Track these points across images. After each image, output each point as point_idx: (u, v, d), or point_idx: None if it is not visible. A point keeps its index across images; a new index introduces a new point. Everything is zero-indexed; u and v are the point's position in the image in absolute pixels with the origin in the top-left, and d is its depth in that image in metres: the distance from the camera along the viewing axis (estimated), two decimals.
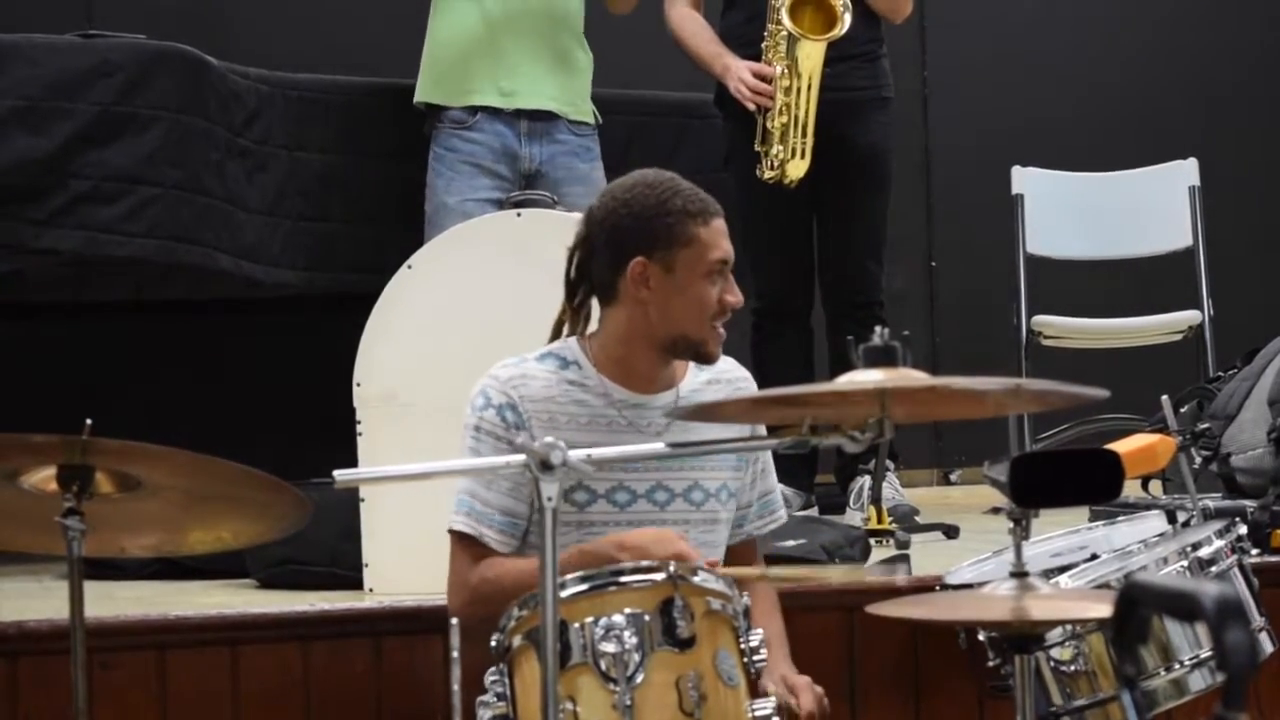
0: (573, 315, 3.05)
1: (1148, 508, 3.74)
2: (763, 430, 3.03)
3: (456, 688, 2.54)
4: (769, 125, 4.65)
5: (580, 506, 2.93)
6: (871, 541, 4.12)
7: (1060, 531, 3.49)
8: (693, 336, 2.96)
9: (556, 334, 3.07)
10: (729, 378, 3.10)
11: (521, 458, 2.34)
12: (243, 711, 3.36)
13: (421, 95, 4.69)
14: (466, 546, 2.96)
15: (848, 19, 4.59)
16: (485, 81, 4.62)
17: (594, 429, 2.95)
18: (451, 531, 2.97)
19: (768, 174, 4.66)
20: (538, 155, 4.63)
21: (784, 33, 4.63)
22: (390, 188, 4.81)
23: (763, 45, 4.67)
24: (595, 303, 3.05)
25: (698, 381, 3.06)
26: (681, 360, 3.03)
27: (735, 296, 2.97)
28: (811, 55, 4.62)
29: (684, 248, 2.93)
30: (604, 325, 3.01)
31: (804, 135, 4.63)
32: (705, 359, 3.00)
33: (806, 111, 4.63)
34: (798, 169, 4.65)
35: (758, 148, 4.67)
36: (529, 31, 4.62)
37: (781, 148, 4.64)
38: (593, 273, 3.01)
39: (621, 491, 2.95)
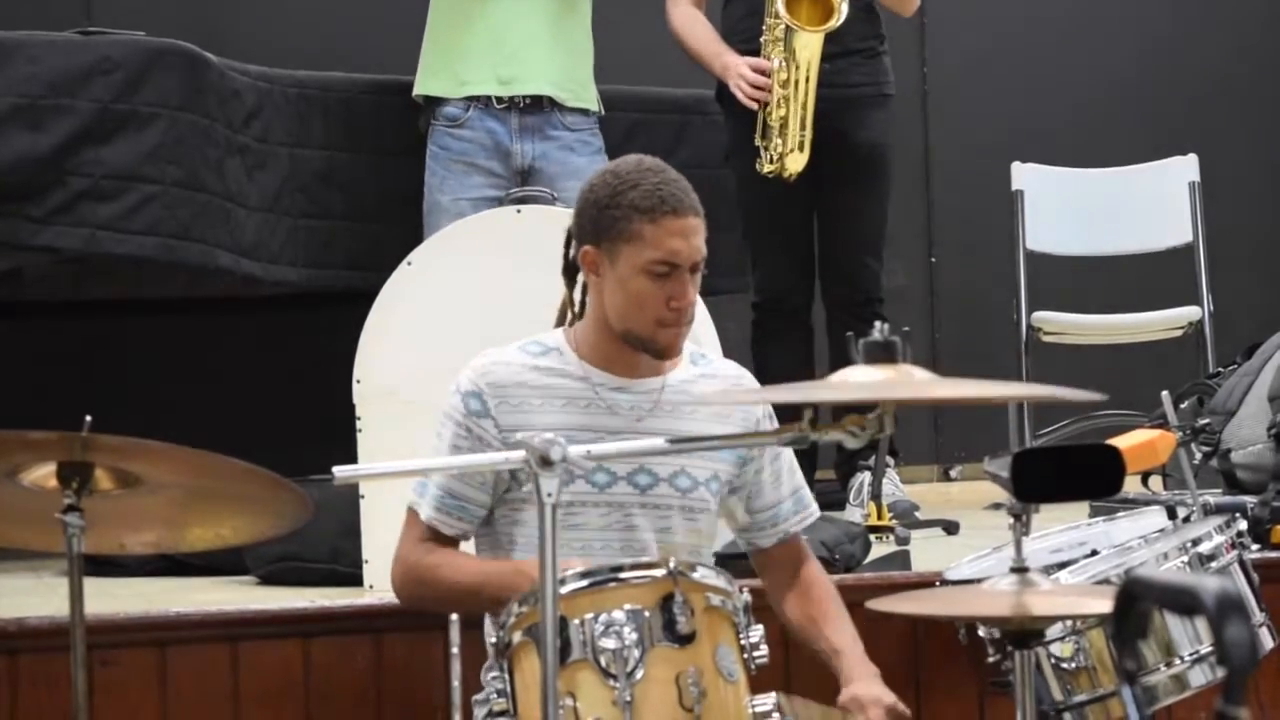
0: (572, 304, 3.07)
1: (1148, 503, 3.74)
2: (763, 426, 3.04)
3: (457, 684, 2.54)
4: (768, 119, 4.65)
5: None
6: (872, 538, 4.12)
7: (1060, 527, 3.49)
8: (636, 332, 2.94)
9: (561, 322, 3.08)
10: (725, 373, 3.10)
11: (521, 454, 2.34)
12: (243, 708, 3.36)
13: (420, 88, 4.69)
14: (413, 523, 3.01)
15: (844, 10, 4.58)
16: (483, 69, 4.62)
17: (571, 410, 2.96)
18: (409, 510, 3.02)
19: (767, 167, 4.65)
20: (530, 151, 4.62)
21: (781, 25, 4.62)
22: (390, 185, 4.81)
23: (761, 40, 4.67)
24: None
25: (690, 373, 3.05)
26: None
27: (683, 298, 2.90)
28: (809, 46, 4.61)
29: (626, 243, 2.91)
30: (586, 312, 3.04)
31: (803, 127, 4.63)
32: (657, 356, 2.98)
33: (804, 104, 4.62)
34: (797, 162, 4.64)
35: (758, 142, 4.67)
36: (528, 14, 4.62)
37: (780, 141, 4.63)
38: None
39: (601, 472, 2.95)
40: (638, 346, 2.97)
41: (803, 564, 3.13)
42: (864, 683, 2.91)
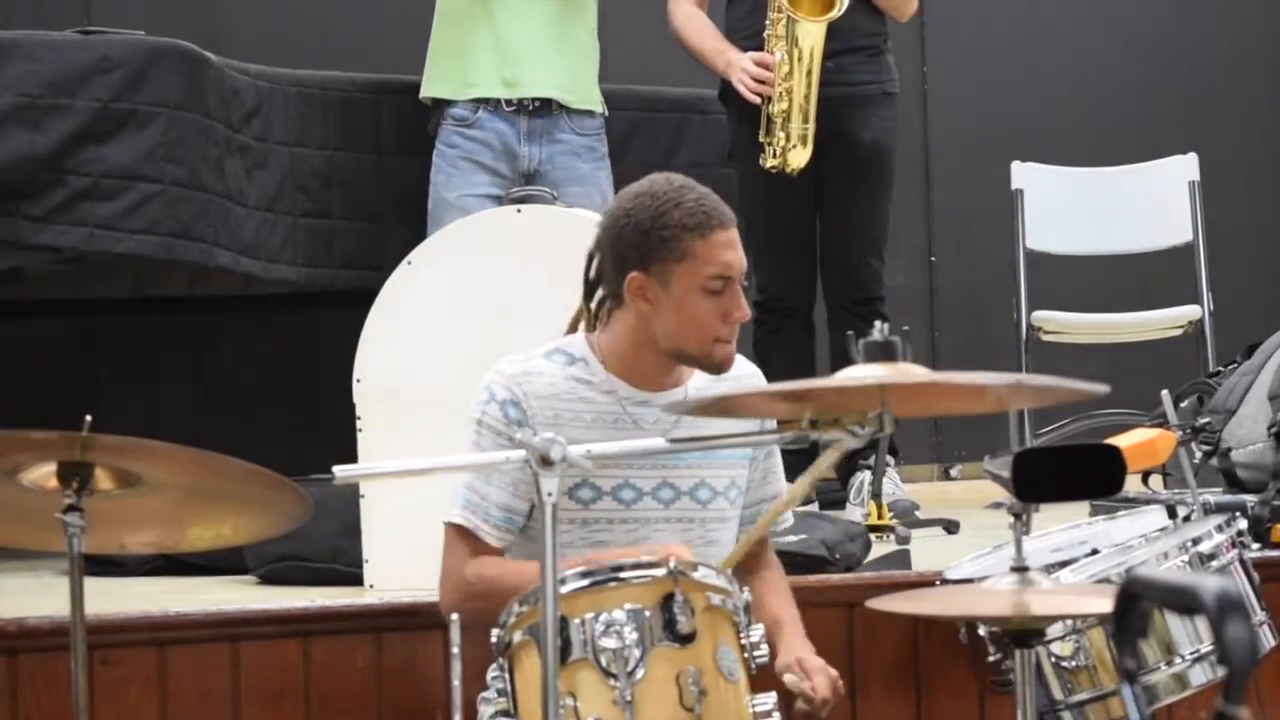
0: (589, 315, 3.04)
1: (1148, 502, 3.74)
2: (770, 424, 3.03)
3: (457, 683, 2.54)
4: (771, 113, 4.64)
5: (585, 504, 2.92)
6: (872, 537, 4.12)
7: (1061, 526, 3.49)
8: (692, 351, 2.92)
9: (573, 331, 3.06)
10: (738, 374, 3.06)
11: (521, 453, 2.34)
12: (243, 708, 3.36)
13: (426, 90, 4.70)
14: (462, 540, 2.95)
15: (845, 1, 4.58)
16: (488, 71, 4.62)
17: (599, 426, 2.94)
18: (447, 524, 2.97)
19: (770, 162, 4.64)
20: (537, 155, 4.62)
21: (783, 20, 4.62)
22: (390, 184, 4.82)
23: (765, 35, 4.67)
24: None
25: (706, 379, 3.03)
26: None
27: (740, 311, 2.91)
28: (810, 36, 4.61)
29: (679, 262, 2.88)
30: (613, 326, 2.99)
31: (805, 120, 4.62)
32: (712, 371, 2.96)
33: (807, 95, 4.61)
34: (799, 157, 4.63)
35: (761, 138, 4.66)
36: (532, 16, 4.62)
37: (783, 135, 4.63)
38: (604, 277, 3.00)
39: (627, 489, 2.94)
40: (690, 364, 2.96)
41: (768, 561, 3.15)
42: (806, 650, 2.92)
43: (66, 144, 4.16)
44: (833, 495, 4.90)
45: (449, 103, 4.66)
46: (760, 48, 4.67)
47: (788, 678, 2.86)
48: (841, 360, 2.48)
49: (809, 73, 4.62)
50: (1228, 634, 1.50)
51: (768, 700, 2.61)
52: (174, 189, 4.24)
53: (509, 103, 4.62)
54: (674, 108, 5.14)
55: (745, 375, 3.09)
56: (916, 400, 2.56)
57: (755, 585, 3.05)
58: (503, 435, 2.90)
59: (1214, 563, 3.12)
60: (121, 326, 5.29)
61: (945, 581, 3.29)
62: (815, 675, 2.87)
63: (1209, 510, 3.33)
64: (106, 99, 4.19)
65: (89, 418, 2.47)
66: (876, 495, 4.48)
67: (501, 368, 2.97)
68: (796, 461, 4.71)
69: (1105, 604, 2.66)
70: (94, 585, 2.70)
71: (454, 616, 2.59)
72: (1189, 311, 5.38)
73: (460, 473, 2.98)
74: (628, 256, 2.92)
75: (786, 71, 4.62)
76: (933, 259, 6.45)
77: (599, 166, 4.67)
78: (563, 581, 2.50)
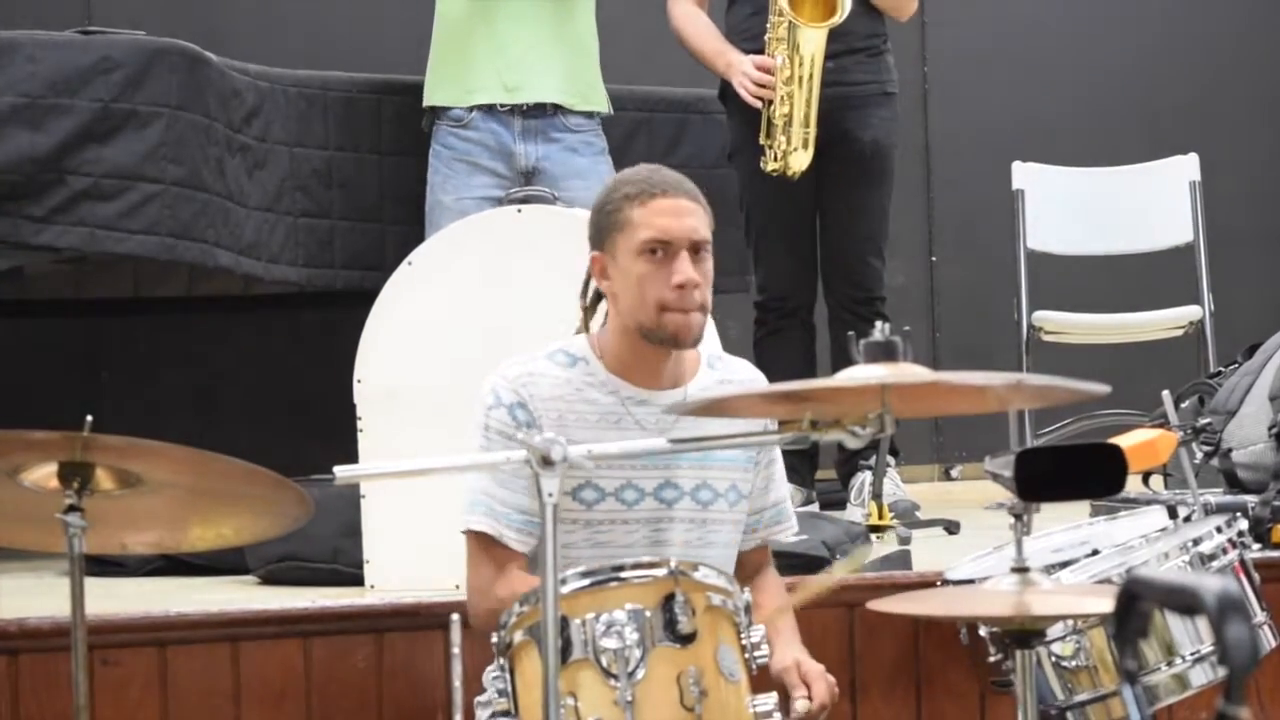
0: (584, 312, 3.06)
1: (1149, 503, 3.74)
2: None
3: (457, 684, 2.54)
4: (772, 116, 4.64)
5: (588, 505, 2.92)
6: (873, 537, 4.12)
7: (1061, 527, 3.49)
8: (646, 323, 2.92)
9: (581, 331, 3.07)
10: (740, 377, 3.08)
11: (522, 454, 2.34)
12: (244, 708, 3.36)
13: (429, 99, 4.68)
14: (487, 548, 2.94)
15: (847, 5, 4.58)
16: (489, 77, 4.62)
17: (603, 426, 2.94)
18: (470, 532, 2.96)
19: (771, 166, 4.64)
20: (533, 153, 4.62)
21: (785, 23, 4.62)
22: (390, 184, 4.82)
23: (766, 38, 4.67)
24: None
25: (708, 380, 3.03)
26: (665, 349, 2.97)
27: (681, 275, 2.87)
28: (812, 41, 4.61)
29: (619, 232, 2.92)
30: (607, 321, 3.01)
31: (806, 125, 4.62)
32: (673, 345, 2.94)
33: (808, 100, 4.61)
34: (800, 161, 4.63)
35: (762, 141, 4.66)
36: (531, 21, 4.62)
37: (785, 138, 4.63)
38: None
39: (630, 489, 2.94)
40: (653, 340, 2.94)
41: (765, 565, 3.16)
42: (803, 653, 2.94)
43: (67, 144, 4.16)
44: (833, 495, 4.90)
45: (448, 107, 4.65)
46: (761, 51, 4.67)
47: (783, 675, 2.87)
48: (842, 360, 2.47)
49: (810, 77, 4.62)
50: (1228, 634, 1.50)
51: (768, 700, 2.61)
52: (174, 189, 4.24)
53: (504, 104, 4.62)
54: (674, 108, 5.14)
55: (746, 379, 3.09)
56: (917, 400, 2.55)
57: (755, 595, 3.06)
58: (512, 439, 2.89)
59: (1214, 563, 3.12)
60: (121, 326, 5.29)
61: (946, 582, 3.29)
62: (814, 681, 2.87)
63: (1209, 511, 3.32)
64: (107, 99, 4.19)
65: (89, 418, 2.47)
66: (877, 496, 4.48)
67: (504, 370, 2.97)
68: (797, 461, 4.76)
69: (1106, 604, 2.66)
70: (94, 585, 2.70)
71: (454, 616, 2.59)
72: (1189, 312, 5.38)
73: (460, 473, 2.99)
74: (591, 238, 2.97)
75: (787, 75, 4.62)
76: (933, 259, 6.45)
77: (598, 160, 4.66)
78: (563, 581, 2.50)
